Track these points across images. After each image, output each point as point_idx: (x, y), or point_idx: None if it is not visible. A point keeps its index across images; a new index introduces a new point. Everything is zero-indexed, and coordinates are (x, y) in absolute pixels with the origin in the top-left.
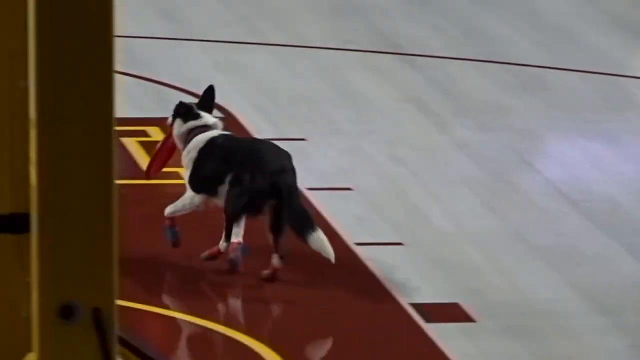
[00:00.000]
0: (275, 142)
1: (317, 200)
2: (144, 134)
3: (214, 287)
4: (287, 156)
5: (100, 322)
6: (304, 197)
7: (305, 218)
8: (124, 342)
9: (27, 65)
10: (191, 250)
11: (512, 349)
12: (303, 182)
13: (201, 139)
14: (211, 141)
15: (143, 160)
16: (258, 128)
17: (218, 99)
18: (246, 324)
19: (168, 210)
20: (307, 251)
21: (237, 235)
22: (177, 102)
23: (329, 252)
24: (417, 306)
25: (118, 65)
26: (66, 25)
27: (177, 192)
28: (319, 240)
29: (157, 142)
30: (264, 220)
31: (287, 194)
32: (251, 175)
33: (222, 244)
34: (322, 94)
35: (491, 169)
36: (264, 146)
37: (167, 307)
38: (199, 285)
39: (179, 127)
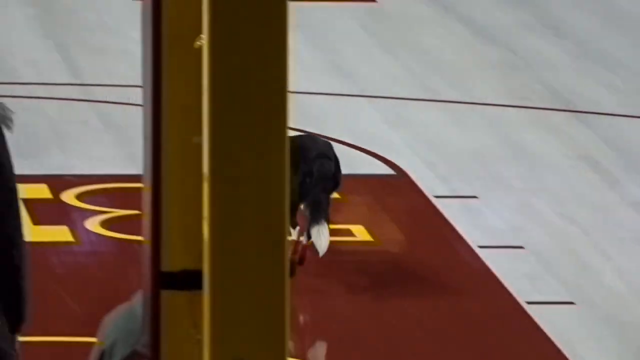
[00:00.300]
0: (447, 199)
1: (488, 258)
2: None
3: (378, 348)
4: (327, 145)
5: None
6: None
7: (320, 209)
8: None
9: (201, 120)
10: (356, 309)
11: None
12: (474, 240)
13: None
14: None
15: None
16: (428, 185)
17: (390, 155)
18: None
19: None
20: (474, 308)
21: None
22: (350, 159)
23: (321, 246)
24: None
25: (290, 121)
26: (240, 80)
27: (345, 250)
28: (318, 233)
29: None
30: None
31: (318, 177)
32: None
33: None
34: (493, 151)
35: None
36: (304, 138)
37: None
38: (363, 345)
39: None
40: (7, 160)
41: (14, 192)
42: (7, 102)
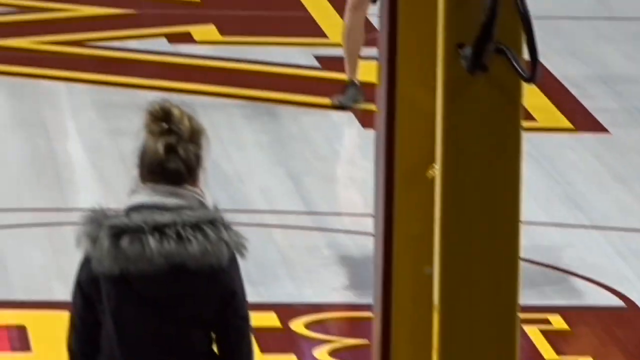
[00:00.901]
0: None
1: None
2: (546, 322)
3: None
4: None
5: None
6: None
7: None
8: None
9: (432, 250)
10: None
11: None
12: None
13: None
14: None
15: (544, 349)
16: None
17: (620, 287)
18: None
19: None
20: None
21: None
22: (580, 291)
23: None
24: None
25: (521, 252)
26: (472, 210)
27: None
28: None
29: (561, 330)
30: None
31: None
32: None
33: None
34: None
35: None
36: None
37: None
38: None
39: None
40: (240, 288)
41: (245, 320)
42: (239, 229)
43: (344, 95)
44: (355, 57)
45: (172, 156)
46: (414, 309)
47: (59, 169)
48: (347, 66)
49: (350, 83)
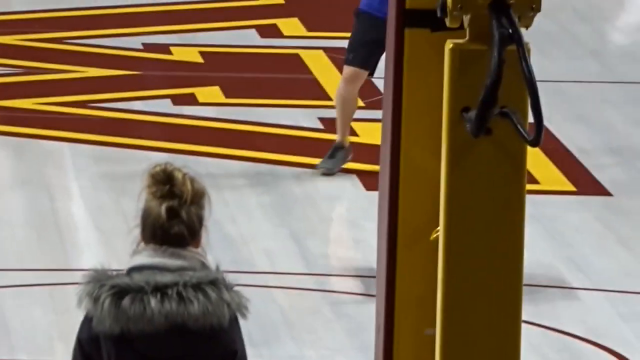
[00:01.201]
0: None
1: None
2: None
3: None
4: None
5: None
6: None
7: None
8: None
9: (433, 312)
10: None
11: None
12: None
13: None
14: None
15: None
16: None
17: (622, 350)
18: None
19: None
20: None
21: None
22: (582, 353)
23: None
24: None
25: (523, 314)
26: (474, 274)
27: None
28: None
29: None
30: None
31: None
32: None
33: None
34: None
35: None
36: None
37: None
38: None
39: None
40: (241, 349)
41: None
42: (241, 290)
43: (331, 159)
44: (346, 123)
45: (174, 220)
46: None
47: (61, 229)
48: (338, 129)
49: (340, 146)
